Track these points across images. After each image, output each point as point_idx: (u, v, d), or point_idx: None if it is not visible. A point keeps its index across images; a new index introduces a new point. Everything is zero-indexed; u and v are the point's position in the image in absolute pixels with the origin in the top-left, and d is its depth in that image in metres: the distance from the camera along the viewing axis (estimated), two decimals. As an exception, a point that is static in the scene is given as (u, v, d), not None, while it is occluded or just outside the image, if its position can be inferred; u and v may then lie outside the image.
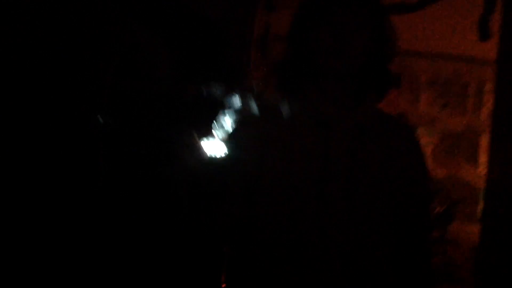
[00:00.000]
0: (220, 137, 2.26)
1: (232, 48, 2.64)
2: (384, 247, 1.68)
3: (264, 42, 2.93)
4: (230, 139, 1.76)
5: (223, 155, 1.77)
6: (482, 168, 3.21)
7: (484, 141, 3.20)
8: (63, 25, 2.40)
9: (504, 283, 2.73)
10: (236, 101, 2.40)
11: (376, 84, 1.70)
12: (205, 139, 2.33)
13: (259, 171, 1.66)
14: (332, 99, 1.68)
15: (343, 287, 1.64)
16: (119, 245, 2.38)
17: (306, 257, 1.62)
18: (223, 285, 1.77)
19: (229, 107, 2.37)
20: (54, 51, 2.39)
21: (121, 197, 2.44)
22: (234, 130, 1.76)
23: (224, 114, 2.33)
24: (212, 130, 2.33)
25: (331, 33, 1.64)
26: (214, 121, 2.33)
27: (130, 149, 2.46)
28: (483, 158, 3.22)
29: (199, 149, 2.32)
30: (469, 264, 3.20)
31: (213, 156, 2.23)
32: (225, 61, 2.63)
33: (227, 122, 2.29)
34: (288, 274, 1.63)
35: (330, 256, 1.64)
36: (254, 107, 1.74)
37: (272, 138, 1.67)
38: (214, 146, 2.30)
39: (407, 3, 3.13)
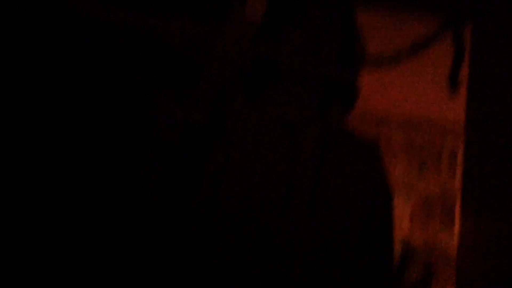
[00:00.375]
0: (205, 99, 1.66)
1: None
2: (347, 258, 1.67)
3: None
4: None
5: (205, 126, 1.58)
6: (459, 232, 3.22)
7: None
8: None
9: None
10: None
11: (343, 92, 1.70)
12: (187, 101, 1.68)
13: (224, 170, 1.63)
14: (298, 102, 1.68)
15: None
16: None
17: (267, 261, 1.58)
18: None
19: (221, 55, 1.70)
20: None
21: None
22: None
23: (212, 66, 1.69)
24: (197, 89, 1.68)
25: (301, 34, 1.66)
26: (199, 76, 1.73)
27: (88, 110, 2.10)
28: (460, 222, 3.23)
29: (178, 115, 1.69)
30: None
31: (196, 126, 1.66)
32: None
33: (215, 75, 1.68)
34: (249, 276, 1.61)
35: (292, 263, 1.61)
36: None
37: (239, 137, 1.65)
38: (197, 112, 1.67)
39: (382, 59, 3.18)
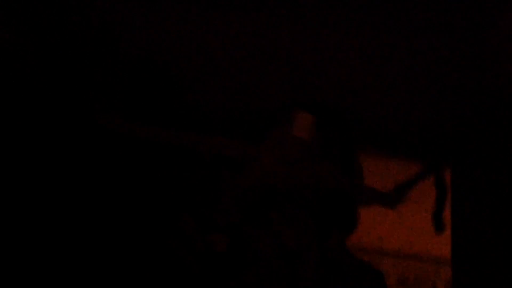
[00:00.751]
0: (229, 225, 1.61)
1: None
2: None
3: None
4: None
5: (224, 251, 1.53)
6: None
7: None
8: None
9: None
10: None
11: (341, 218, 1.73)
12: (209, 227, 1.60)
13: None
14: (297, 229, 1.72)
15: None
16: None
17: None
18: None
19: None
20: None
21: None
22: None
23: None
24: (222, 214, 1.60)
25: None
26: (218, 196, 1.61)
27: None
28: None
29: (198, 241, 1.61)
30: None
31: (217, 252, 1.58)
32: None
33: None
34: None
35: None
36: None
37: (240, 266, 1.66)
38: (220, 238, 1.59)
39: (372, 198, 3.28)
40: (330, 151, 1.75)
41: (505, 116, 2.87)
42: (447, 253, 3.28)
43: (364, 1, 2.81)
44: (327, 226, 1.75)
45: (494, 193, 2.93)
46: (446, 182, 3.06)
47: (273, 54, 2.98)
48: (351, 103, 2.86)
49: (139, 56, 2.57)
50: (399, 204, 3.28)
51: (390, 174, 3.17)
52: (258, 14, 3.02)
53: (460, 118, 2.98)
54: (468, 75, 2.99)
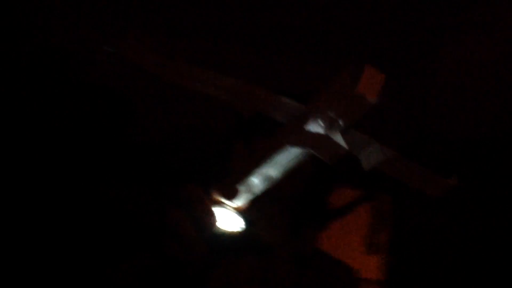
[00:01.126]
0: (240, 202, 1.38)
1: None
2: None
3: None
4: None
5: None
6: None
7: None
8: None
9: None
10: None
11: (313, 212, 1.72)
12: (224, 203, 1.38)
13: None
14: (270, 224, 1.66)
15: None
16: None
17: None
18: None
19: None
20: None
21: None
22: None
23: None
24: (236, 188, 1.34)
25: None
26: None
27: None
28: None
29: (210, 221, 1.36)
30: None
31: (229, 233, 1.39)
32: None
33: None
34: None
35: None
36: None
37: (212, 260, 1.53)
38: (231, 217, 1.39)
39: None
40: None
41: (446, 149, 3.00)
42: (379, 275, 3.40)
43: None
44: (300, 222, 1.72)
45: (433, 221, 3.07)
46: (384, 209, 3.19)
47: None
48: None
49: (97, 81, 2.59)
50: (341, 231, 3.36)
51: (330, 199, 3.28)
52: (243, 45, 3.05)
53: (401, 150, 3.11)
54: (406, 110, 3.10)
